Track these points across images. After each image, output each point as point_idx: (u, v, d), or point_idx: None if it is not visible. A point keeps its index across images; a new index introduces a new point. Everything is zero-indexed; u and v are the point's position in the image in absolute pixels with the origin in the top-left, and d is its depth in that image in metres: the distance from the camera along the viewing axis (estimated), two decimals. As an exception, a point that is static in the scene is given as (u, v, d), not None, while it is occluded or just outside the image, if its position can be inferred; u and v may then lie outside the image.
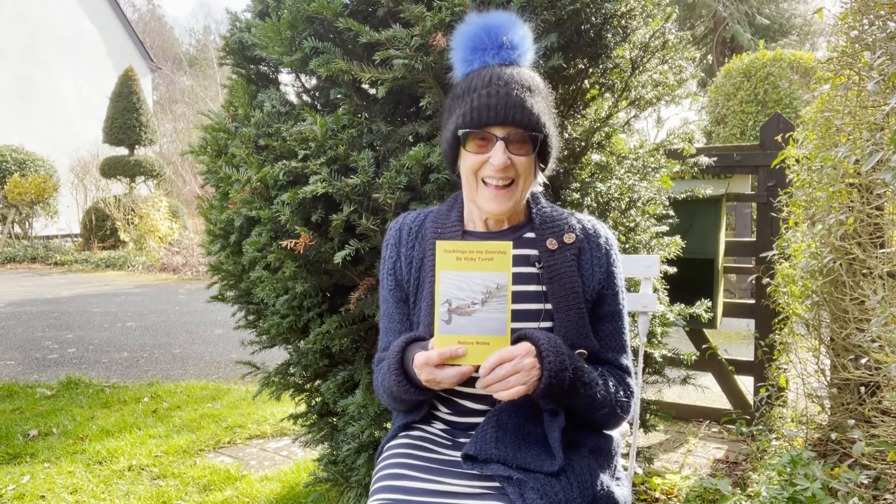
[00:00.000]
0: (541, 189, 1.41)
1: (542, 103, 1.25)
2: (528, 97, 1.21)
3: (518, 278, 1.29)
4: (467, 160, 1.25)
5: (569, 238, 1.31)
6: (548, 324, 1.27)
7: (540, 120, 1.21)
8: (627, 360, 1.36)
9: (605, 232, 1.37)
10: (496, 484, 1.20)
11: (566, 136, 2.04)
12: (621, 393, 1.29)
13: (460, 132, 1.22)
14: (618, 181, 2.16)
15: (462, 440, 1.31)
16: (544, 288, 1.28)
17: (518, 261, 1.30)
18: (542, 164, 1.31)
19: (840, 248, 2.14)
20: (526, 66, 1.29)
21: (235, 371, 4.73)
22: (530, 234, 1.33)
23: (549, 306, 1.28)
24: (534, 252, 1.31)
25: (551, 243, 1.30)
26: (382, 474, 1.25)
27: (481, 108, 1.19)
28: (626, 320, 1.37)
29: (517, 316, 1.26)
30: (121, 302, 7.99)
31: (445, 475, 1.23)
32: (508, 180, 1.23)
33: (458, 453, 1.28)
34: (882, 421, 2.10)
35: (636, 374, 1.72)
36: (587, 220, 1.38)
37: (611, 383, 1.27)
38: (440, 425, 1.36)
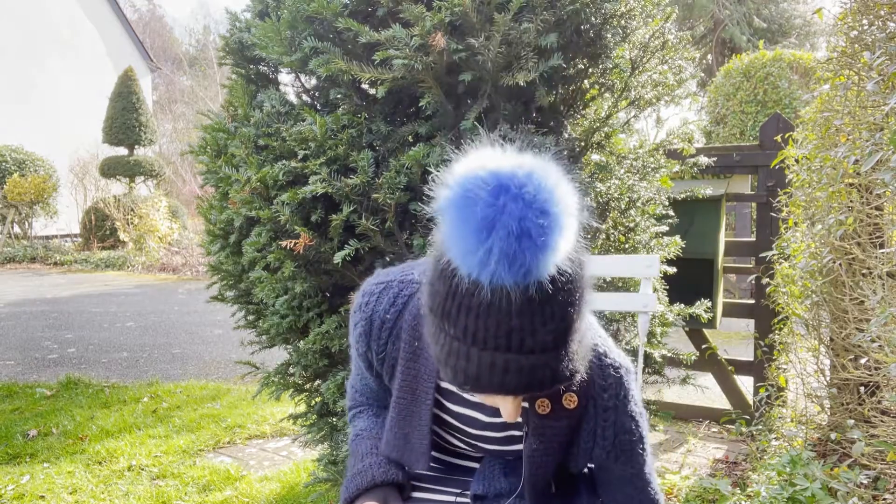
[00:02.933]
0: None
1: (578, 334, 0.84)
2: (562, 359, 0.81)
3: (498, 426, 1.08)
4: None
5: (569, 401, 1.00)
6: (513, 478, 1.11)
7: (569, 378, 0.85)
8: None
9: (619, 377, 1.03)
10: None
11: (566, 136, 2.03)
12: None
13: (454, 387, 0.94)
14: (617, 181, 2.16)
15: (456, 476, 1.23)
16: (524, 456, 1.05)
17: (498, 411, 1.05)
18: None
19: (840, 248, 2.14)
20: (559, 265, 0.79)
21: (235, 371, 4.73)
22: None
23: (521, 448, 1.07)
24: (524, 404, 1.02)
25: (543, 406, 1.00)
26: None
27: (493, 386, 0.82)
28: (653, 473, 1.09)
29: (486, 451, 1.13)
30: (120, 302, 7.99)
31: (438, 482, 1.21)
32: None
33: (452, 459, 1.24)
34: (882, 421, 2.10)
35: None
36: (597, 362, 1.02)
37: None
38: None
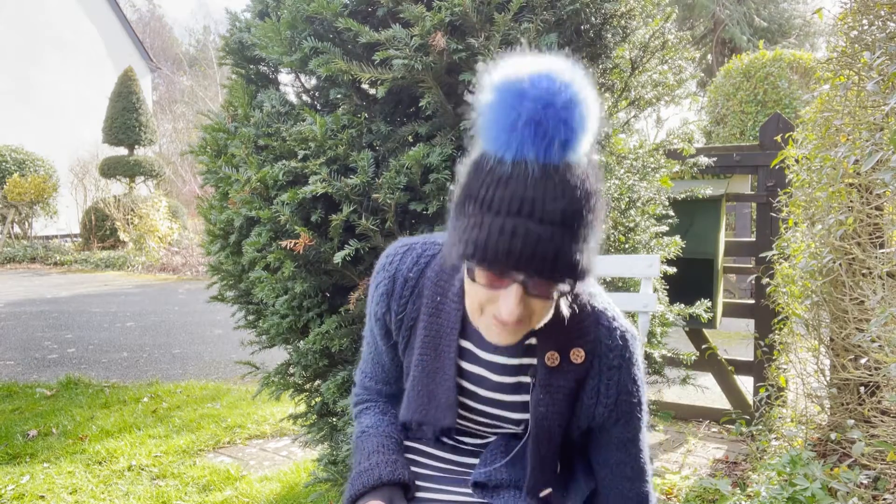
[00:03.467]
0: None
1: (587, 229, 0.88)
2: (567, 241, 0.85)
3: (514, 388, 1.11)
4: (471, 289, 0.95)
5: (576, 356, 1.05)
6: (517, 427, 1.14)
7: (573, 268, 0.87)
8: (647, 487, 1.13)
9: (625, 340, 1.08)
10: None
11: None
12: None
13: (466, 263, 0.93)
14: (617, 181, 2.16)
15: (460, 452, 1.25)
16: (529, 412, 1.09)
17: (513, 370, 1.10)
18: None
19: (840, 248, 2.14)
20: (578, 158, 0.88)
21: (235, 371, 4.73)
22: (533, 340, 1.08)
23: (528, 419, 1.11)
24: (533, 361, 1.08)
25: (552, 358, 1.05)
26: None
27: (499, 253, 0.84)
28: (646, 442, 1.14)
29: (502, 420, 1.15)
30: (120, 302, 7.99)
31: (442, 482, 1.21)
32: (521, 318, 0.93)
33: (456, 457, 1.25)
34: (882, 421, 2.10)
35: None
36: (606, 324, 1.08)
37: None
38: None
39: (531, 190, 0.84)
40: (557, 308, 1.01)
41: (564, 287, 0.89)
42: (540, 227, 0.84)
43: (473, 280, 0.93)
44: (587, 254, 0.88)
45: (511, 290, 0.89)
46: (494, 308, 0.93)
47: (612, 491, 1.13)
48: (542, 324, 0.98)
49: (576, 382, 1.06)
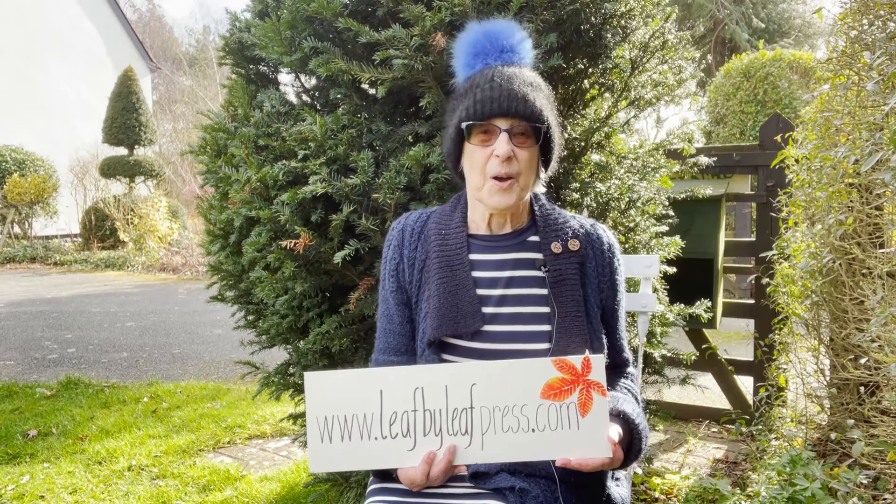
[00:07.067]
0: (543, 190, 1.41)
1: (544, 99, 1.26)
2: (531, 91, 1.22)
3: (524, 281, 1.29)
4: (474, 156, 1.25)
5: (573, 245, 1.31)
6: (547, 327, 1.27)
7: (542, 113, 1.23)
8: (628, 353, 1.42)
9: (608, 237, 1.37)
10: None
11: (566, 136, 2.04)
12: (637, 396, 1.36)
13: (464, 125, 1.23)
14: (617, 181, 2.16)
15: None
16: (548, 291, 1.28)
17: (524, 264, 1.31)
18: (543, 159, 1.31)
19: (839, 248, 2.14)
20: (527, 68, 1.31)
21: (235, 371, 4.73)
22: (534, 238, 1.33)
23: (551, 310, 1.27)
24: (539, 256, 1.31)
25: (556, 247, 1.31)
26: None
27: (485, 101, 1.20)
28: (623, 314, 1.41)
29: (522, 319, 1.26)
30: (120, 302, 7.99)
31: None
32: (512, 174, 1.23)
33: None
34: (881, 421, 2.10)
35: (636, 362, 1.78)
36: (589, 224, 1.38)
37: (637, 400, 1.35)
38: None
39: (499, 70, 1.25)
40: (544, 207, 1.35)
41: (537, 129, 1.22)
42: (509, 82, 1.22)
43: (471, 143, 1.24)
44: (550, 115, 1.25)
45: (501, 138, 1.21)
46: (492, 166, 1.22)
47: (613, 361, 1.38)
48: (530, 191, 1.31)
49: (579, 264, 1.31)
